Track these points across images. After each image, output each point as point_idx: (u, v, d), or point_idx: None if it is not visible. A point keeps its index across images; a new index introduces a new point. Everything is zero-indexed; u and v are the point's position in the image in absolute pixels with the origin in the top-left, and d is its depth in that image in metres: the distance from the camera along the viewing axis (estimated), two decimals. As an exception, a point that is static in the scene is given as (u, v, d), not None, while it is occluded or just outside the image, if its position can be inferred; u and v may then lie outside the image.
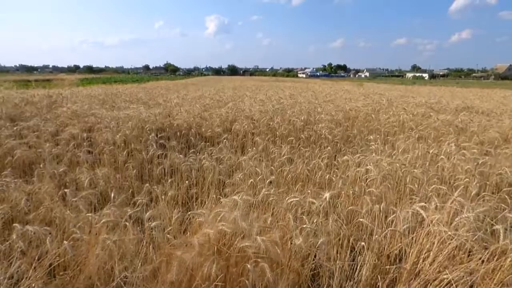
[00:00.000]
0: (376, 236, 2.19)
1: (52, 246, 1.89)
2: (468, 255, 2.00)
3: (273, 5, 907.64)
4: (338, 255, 2.18)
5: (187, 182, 3.43)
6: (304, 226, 2.08)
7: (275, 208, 2.50)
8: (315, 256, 2.13)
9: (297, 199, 2.30)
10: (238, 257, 1.87)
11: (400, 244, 2.25)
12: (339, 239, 2.27)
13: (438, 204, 2.27)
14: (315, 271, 2.19)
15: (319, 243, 1.95)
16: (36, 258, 1.87)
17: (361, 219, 2.36)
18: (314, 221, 2.21)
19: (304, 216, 2.24)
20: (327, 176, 3.39)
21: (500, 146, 4.43)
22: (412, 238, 2.17)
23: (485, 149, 4.27)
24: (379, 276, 2.06)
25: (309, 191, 2.87)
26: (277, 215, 2.42)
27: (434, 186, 2.84)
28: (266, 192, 2.53)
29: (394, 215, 2.36)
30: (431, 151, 4.04)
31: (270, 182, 3.20)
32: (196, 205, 3.19)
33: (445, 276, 1.82)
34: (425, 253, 2.04)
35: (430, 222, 2.08)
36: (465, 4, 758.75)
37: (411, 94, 16.03)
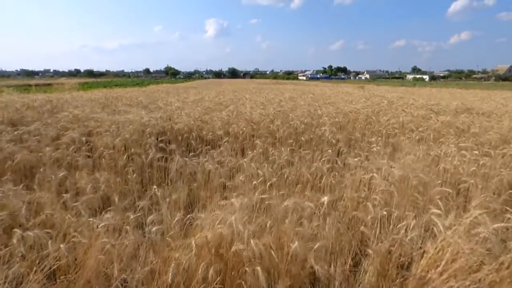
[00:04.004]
0: (380, 244, 2.17)
1: (52, 249, 1.89)
2: (478, 265, 1.96)
3: (271, 8, 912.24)
4: (338, 260, 2.17)
5: (194, 185, 3.43)
6: (302, 230, 2.06)
7: (274, 212, 2.49)
8: (314, 261, 2.11)
9: (295, 201, 2.28)
10: (236, 260, 1.86)
11: (409, 254, 2.21)
12: (338, 244, 2.25)
13: (454, 216, 2.22)
14: (314, 276, 2.16)
15: (316, 247, 1.93)
16: (37, 262, 1.87)
17: (362, 228, 2.34)
18: (314, 225, 2.20)
19: (304, 220, 2.23)
20: (328, 179, 3.39)
21: (499, 147, 4.41)
22: (421, 247, 2.13)
23: (485, 150, 4.26)
24: (382, 284, 2.04)
25: (307, 193, 2.87)
26: (276, 218, 2.41)
27: (439, 188, 2.82)
28: (265, 196, 2.53)
29: (396, 219, 2.36)
30: (432, 153, 4.03)
31: (271, 184, 3.20)
32: (197, 208, 3.19)
33: (452, 284, 1.80)
34: (434, 263, 2.00)
35: (444, 233, 2.03)
36: (464, 6, 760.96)
37: (411, 96, 16.02)
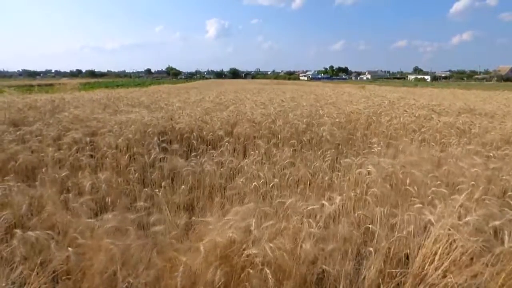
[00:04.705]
0: (384, 243, 2.16)
1: (55, 251, 1.89)
2: (472, 259, 1.98)
3: (272, 9, 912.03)
4: (343, 260, 2.16)
5: (187, 186, 3.43)
6: (312, 230, 2.06)
7: (278, 212, 2.49)
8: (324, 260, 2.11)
9: (311, 206, 2.27)
10: (243, 261, 1.86)
11: (407, 249, 2.22)
12: (344, 243, 2.25)
13: (444, 208, 2.24)
14: (320, 276, 2.16)
15: (329, 249, 1.93)
16: (39, 263, 1.87)
17: (370, 225, 2.34)
18: (321, 226, 2.20)
19: (311, 220, 2.22)
20: (327, 179, 3.39)
21: (502, 148, 4.40)
22: (418, 242, 2.15)
23: (488, 151, 4.25)
24: (384, 280, 2.04)
25: (311, 193, 2.86)
26: (282, 218, 2.41)
27: (436, 188, 2.82)
28: (274, 199, 2.53)
29: (397, 218, 2.36)
30: (433, 154, 4.03)
31: (273, 185, 3.20)
32: (198, 209, 3.19)
33: (449, 280, 1.81)
34: (431, 257, 2.02)
35: (437, 226, 2.05)
36: (465, 6, 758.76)
37: (413, 96, 16.00)
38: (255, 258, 1.79)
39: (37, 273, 1.79)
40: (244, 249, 1.86)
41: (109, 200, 3.05)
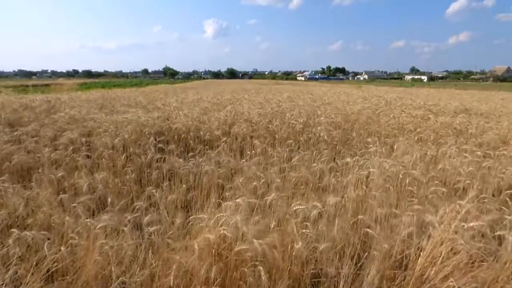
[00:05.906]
0: (385, 246, 2.16)
1: (50, 251, 1.88)
2: (473, 262, 1.97)
3: (270, 9, 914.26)
4: (340, 261, 2.15)
5: (184, 186, 3.42)
6: (305, 231, 2.05)
7: (275, 213, 2.48)
8: (316, 261, 2.10)
9: (303, 206, 2.26)
10: (238, 260, 1.85)
11: (407, 251, 2.21)
12: (342, 245, 2.24)
13: (446, 211, 2.23)
14: (316, 279, 2.14)
15: (321, 248, 1.92)
16: (34, 263, 1.85)
17: (367, 229, 2.33)
18: (317, 227, 2.19)
19: (307, 223, 2.22)
20: (327, 179, 3.38)
21: (498, 148, 4.41)
22: (419, 244, 2.14)
23: (484, 151, 4.26)
24: (383, 284, 2.04)
25: (310, 194, 2.86)
26: (278, 219, 2.40)
27: (434, 188, 2.82)
28: (269, 198, 2.52)
29: (397, 219, 2.35)
30: (430, 154, 4.04)
31: (268, 185, 3.19)
32: (195, 209, 3.17)
33: (451, 284, 1.80)
34: (432, 260, 2.01)
35: (439, 229, 2.05)
36: (462, 6, 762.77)
37: (410, 96, 16.04)
38: (246, 253, 1.78)
39: (32, 274, 1.77)
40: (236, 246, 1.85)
41: (106, 200, 3.03)
